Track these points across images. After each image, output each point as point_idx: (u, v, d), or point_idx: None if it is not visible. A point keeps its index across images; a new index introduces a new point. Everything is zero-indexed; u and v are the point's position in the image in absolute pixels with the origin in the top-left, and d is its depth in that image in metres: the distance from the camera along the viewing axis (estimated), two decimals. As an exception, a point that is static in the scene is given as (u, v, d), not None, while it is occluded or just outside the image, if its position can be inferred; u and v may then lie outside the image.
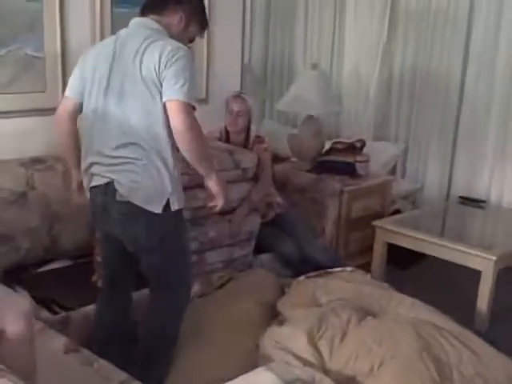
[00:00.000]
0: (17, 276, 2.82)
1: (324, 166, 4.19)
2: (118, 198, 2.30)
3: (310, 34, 4.91)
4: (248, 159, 3.30)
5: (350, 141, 4.38)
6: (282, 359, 2.41)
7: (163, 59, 2.23)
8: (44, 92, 3.21)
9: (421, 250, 3.73)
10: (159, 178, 2.29)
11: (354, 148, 4.27)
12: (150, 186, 2.28)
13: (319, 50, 5.01)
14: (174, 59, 2.23)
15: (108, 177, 2.32)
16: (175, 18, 2.43)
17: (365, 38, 5.05)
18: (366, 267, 3.73)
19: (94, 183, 2.38)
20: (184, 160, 2.34)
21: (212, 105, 3.89)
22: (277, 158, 4.09)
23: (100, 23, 3.36)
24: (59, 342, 2.29)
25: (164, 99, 2.24)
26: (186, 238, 2.50)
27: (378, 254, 3.84)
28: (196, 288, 3.00)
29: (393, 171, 4.93)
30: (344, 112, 5.05)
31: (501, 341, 2.82)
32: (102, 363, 2.22)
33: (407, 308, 2.81)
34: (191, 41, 2.56)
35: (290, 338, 2.54)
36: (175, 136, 2.24)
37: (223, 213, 3.19)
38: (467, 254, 3.47)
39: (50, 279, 2.87)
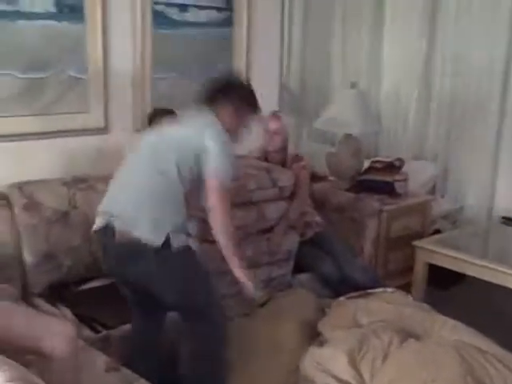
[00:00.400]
0: (59, 294, 2.86)
1: (363, 184, 4.17)
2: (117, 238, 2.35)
3: (348, 53, 4.91)
4: (285, 177, 3.31)
5: (388, 160, 4.35)
6: (323, 381, 2.39)
7: (207, 139, 2.44)
8: (87, 113, 3.27)
9: (462, 270, 3.67)
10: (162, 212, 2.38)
11: (393, 167, 4.24)
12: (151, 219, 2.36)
13: (357, 68, 5.00)
14: (214, 142, 2.43)
15: (108, 212, 2.40)
16: (225, 113, 2.56)
17: (404, 56, 5.02)
18: (406, 288, 3.67)
19: (95, 226, 2.47)
20: None
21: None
22: (315, 177, 4.08)
23: (141, 44, 3.44)
24: (100, 360, 2.30)
25: (205, 177, 2.45)
26: (197, 267, 2.49)
27: (419, 274, 3.79)
28: (237, 308, 2.99)
29: (432, 190, 4.87)
30: (383, 131, 5.02)
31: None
32: (142, 382, 2.23)
33: (449, 330, 2.76)
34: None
35: (330, 359, 2.51)
36: (210, 212, 2.46)
37: (261, 231, 3.20)
38: (509, 275, 3.39)
39: (91, 297, 2.89)
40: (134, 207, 2.39)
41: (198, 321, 2.42)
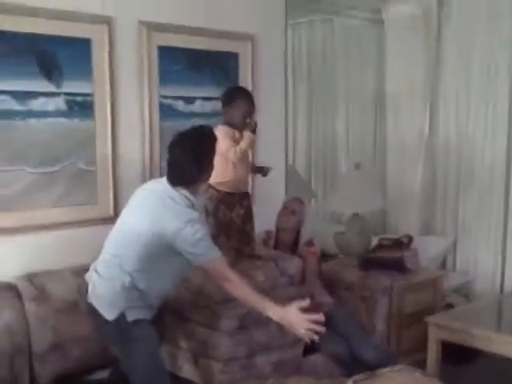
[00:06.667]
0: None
1: (372, 262, 4.17)
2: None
3: (352, 134, 5.03)
4: (293, 265, 3.33)
5: (396, 236, 4.38)
6: None
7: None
8: (96, 203, 3.38)
9: (475, 345, 3.61)
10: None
11: (401, 243, 4.26)
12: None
13: (362, 148, 5.11)
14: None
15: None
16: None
17: (406, 134, 5.14)
18: (422, 364, 3.61)
19: None
20: None
21: (257, 208, 3.96)
22: (324, 256, 4.11)
23: (149, 137, 3.55)
24: None
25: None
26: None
27: (432, 350, 3.72)
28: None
29: (443, 265, 4.86)
30: (390, 209, 5.07)
31: None
32: None
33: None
34: None
35: None
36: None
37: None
38: (524, 348, 3.36)
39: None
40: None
41: None
